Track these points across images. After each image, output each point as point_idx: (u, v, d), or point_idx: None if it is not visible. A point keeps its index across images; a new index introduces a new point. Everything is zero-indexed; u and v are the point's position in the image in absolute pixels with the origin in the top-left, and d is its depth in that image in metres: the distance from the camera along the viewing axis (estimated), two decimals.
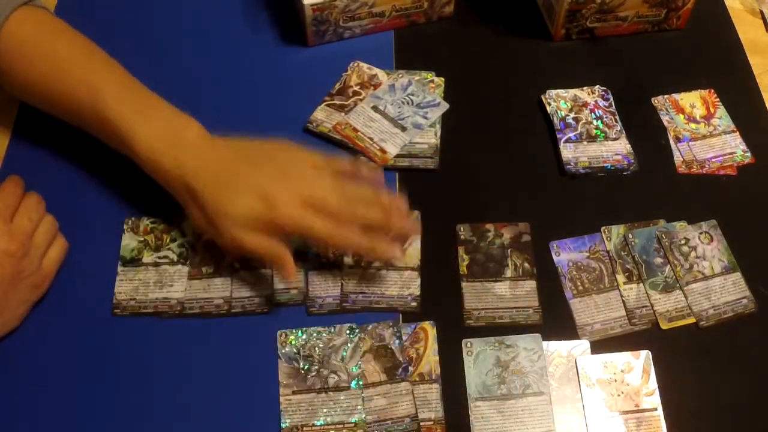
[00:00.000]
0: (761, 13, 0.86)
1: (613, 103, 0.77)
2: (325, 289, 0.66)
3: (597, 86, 0.78)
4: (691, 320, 0.65)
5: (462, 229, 0.69)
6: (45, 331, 0.64)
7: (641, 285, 0.66)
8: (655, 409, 0.61)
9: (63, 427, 0.60)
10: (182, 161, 0.62)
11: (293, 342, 0.63)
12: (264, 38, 0.83)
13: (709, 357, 0.63)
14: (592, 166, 0.73)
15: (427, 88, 0.78)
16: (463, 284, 0.66)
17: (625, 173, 0.73)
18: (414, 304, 0.66)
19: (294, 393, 0.61)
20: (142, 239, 0.68)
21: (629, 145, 0.74)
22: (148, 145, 0.63)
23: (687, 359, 0.63)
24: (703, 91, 0.79)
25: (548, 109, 0.76)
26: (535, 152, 0.75)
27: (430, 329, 0.64)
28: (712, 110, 0.77)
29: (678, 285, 0.66)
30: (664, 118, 0.77)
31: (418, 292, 0.66)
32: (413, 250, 0.68)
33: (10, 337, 0.63)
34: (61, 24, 0.69)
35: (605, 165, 0.73)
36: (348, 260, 0.67)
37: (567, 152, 0.73)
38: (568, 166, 0.73)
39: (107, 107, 0.64)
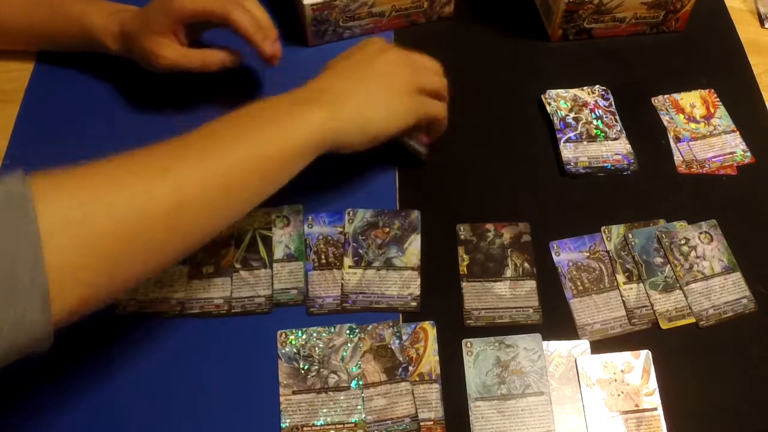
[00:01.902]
0: (758, 12, 0.86)
1: (613, 103, 0.77)
2: (325, 289, 0.66)
3: (597, 86, 0.78)
4: (691, 320, 0.65)
5: (462, 229, 0.69)
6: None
7: (641, 285, 0.66)
8: (655, 409, 0.61)
9: (63, 426, 0.60)
10: None
11: (293, 342, 0.63)
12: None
13: (709, 357, 0.63)
14: (592, 166, 0.73)
15: None
16: (463, 284, 0.67)
17: (625, 173, 0.73)
18: (414, 304, 0.66)
19: (294, 393, 0.61)
20: None
21: (629, 145, 0.74)
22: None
23: (687, 359, 0.63)
24: (703, 91, 0.79)
25: (548, 109, 0.76)
26: (535, 152, 0.75)
27: (430, 329, 0.64)
28: (712, 110, 0.77)
29: (678, 285, 0.66)
30: (664, 118, 0.77)
31: (418, 292, 0.66)
32: (413, 250, 0.68)
33: None
34: None
35: (605, 165, 0.73)
36: (348, 260, 0.67)
37: (567, 152, 0.73)
38: (568, 166, 0.73)
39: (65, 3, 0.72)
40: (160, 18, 0.68)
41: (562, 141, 0.74)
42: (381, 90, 0.63)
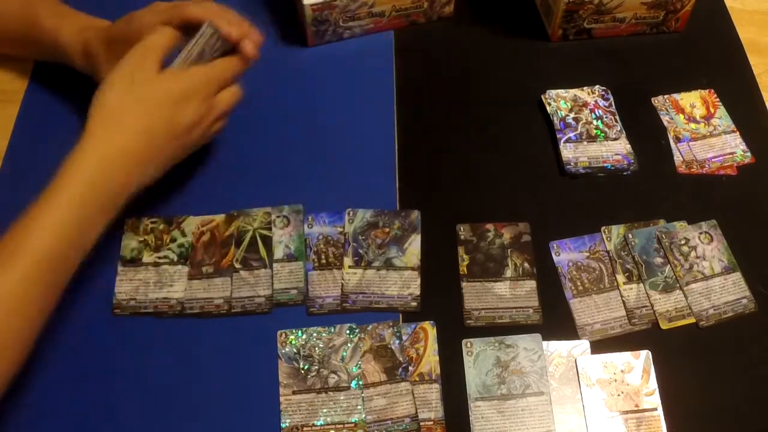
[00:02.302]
0: None
1: (613, 103, 0.77)
2: (325, 289, 0.66)
3: (597, 86, 0.78)
4: (691, 320, 0.65)
5: (462, 229, 0.69)
6: (45, 331, 0.64)
7: (641, 285, 0.66)
8: (655, 409, 0.61)
9: (63, 426, 0.60)
10: None
11: (293, 342, 0.63)
12: (264, 38, 0.83)
13: (709, 357, 0.63)
14: (592, 166, 0.73)
15: None
16: (463, 284, 0.66)
17: (625, 173, 0.73)
18: (414, 304, 0.66)
19: (294, 393, 0.61)
20: (142, 239, 0.68)
21: (629, 145, 0.74)
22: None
23: (687, 359, 0.63)
24: (703, 91, 0.79)
25: (548, 109, 0.76)
26: (535, 152, 0.75)
27: (430, 329, 0.64)
28: (712, 110, 0.77)
29: (678, 285, 0.66)
30: (664, 118, 0.77)
31: (418, 292, 0.66)
32: (413, 250, 0.68)
33: None
34: None
35: (605, 165, 0.73)
36: (348, 260, 0.67)
37: (567, 152, 0.73)
38: (568, 166, 0.73)
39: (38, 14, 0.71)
40: (121, 45, 0.66)
41: (562, 141, 0.74)
42: (169, 128, 0.63)
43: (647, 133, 0.76)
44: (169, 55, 0.64)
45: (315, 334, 0.64)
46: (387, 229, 0.69)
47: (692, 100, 0.78)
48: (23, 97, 0.77)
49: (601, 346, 0.64)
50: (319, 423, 0.60)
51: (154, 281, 0.66)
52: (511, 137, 0.76)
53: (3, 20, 0.73)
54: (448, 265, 0.68)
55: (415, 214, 0.70)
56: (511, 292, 0.66)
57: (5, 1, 0.73)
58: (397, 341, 0.63)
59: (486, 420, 0.60)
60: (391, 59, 0.81)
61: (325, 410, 0.60)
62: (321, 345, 0.63)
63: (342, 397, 0.61)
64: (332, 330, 0.64)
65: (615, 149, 0.74)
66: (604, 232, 0.69)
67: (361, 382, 0.62)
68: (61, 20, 0.71)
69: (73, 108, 0.75)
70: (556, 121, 0.76)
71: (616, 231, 0.69)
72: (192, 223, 0.69)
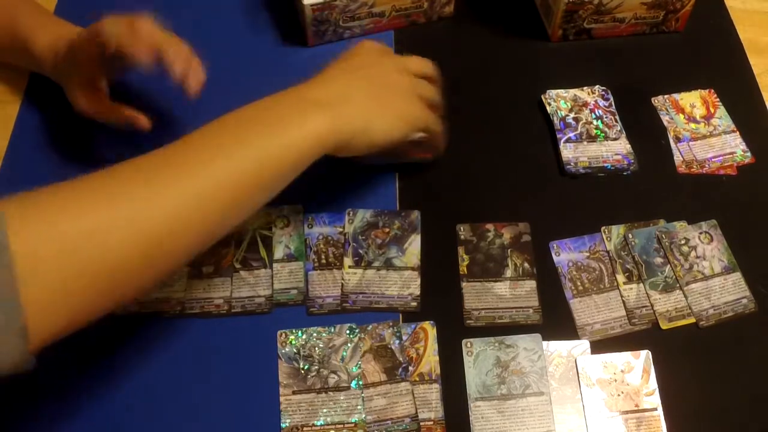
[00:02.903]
0: None
1: (613, 102, 0.77)
2: (325, 289, 0.66)
3: (597, 86, 0.78)
4: (691, 320, 0.65)
5: (462, 229, 0.69)
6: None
7: (641, 285, 0.66)
8: (655, 409, 0.61)
9: (63, 426, 0.60)
10: None
11: (293, 342, 0.63)
12: (264, 38, 0.83)
13: (709, 357, 0.63)
14: (592, 166, 0.73)
15: None
16: (463, 284, 0.67)
17: (625, 173, 0.73)
18: (414, 304, 0.66)
19: (294, 393, 0.61)
20: None
21: (629, 145, 0.74)
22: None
23: (687, 359, 0.63)
24: (703, 91, 0.79)
25: (548, 109, 0.76)
26: (535, 152, 0.75)
27: (430, 329, 0.64)
28: (712, 110, 0.77)
29: (678, 285, 0.66)
30: (664, 118, 0.77)
31: (418, 292, 0.66)
32: (413, 250, 0.68)
33: None
34: None
35: (605, 165, 0.73)
36: (348, 260, 0.67)
37: (567, 152, 0.73)
38: (568, 166, 0.73)
39: (19, 23, 0.70)
40: (72, 68, 0.66)
41: (562, 141, 0.74)
42: (382, 97, 0.61)
43: (647, 133, 0.76)
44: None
45: (315, 334, 0.64)
46: (387, 229, 0.69)
47: (692, 100, 0.78)
48: (23, 97, 0.77)
49: (601, 346, 0.64)
50: (319, 423, 0.60)
51: None
52: (511, 137, 0.76)
53: None
54: (448, 265, 0.68)
55: (415, 214, 0.70)
56: (511, 292, 0.66)
57: None
58: (397, 341, 0.63)
59: (486, 420, 0.60)
60: None
61: (325, 410, 0.60)
62: (321, 345, 0.63)
63: (342, 397, 0.61)
64: (332, 330, 0.64)
65: (615, 149, 0.74)
66: (604, 232, 0.69)
67: (361, 382, 0.62)
68: (37, 29, 0.70)
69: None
70: (556, 121, 0.76)
71: (616, 231, 0.69)
72: None
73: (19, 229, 0.44)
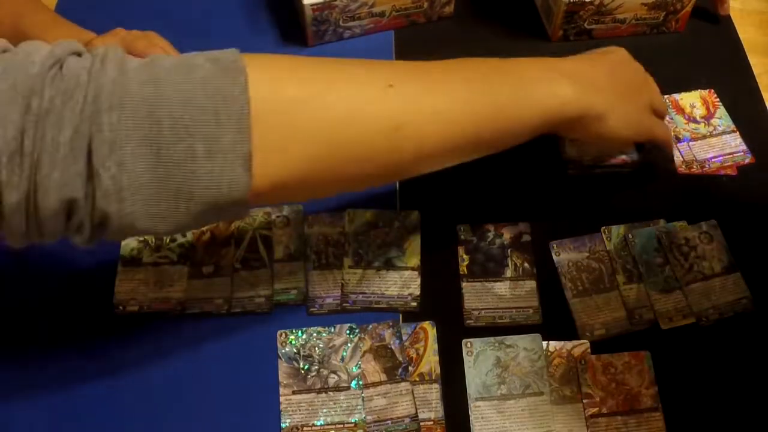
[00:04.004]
0: None
1: None
2: (325, 289, 0.66)
3: None
4: (691, 320, 0.65)
5: (462, 229, 0.69)
6: (45, 331, 0.64)
7: (641, 285, 0.66)
8: (655, 409, 0.61)
9: (62, 427, 0.60)
10: None
11: (293, 342, 0.63)
12: (264, 38, 0.83)
13: (709, 357, 0.63)
14: (596, 165, 0.73)
15: None
16: (463, 284, 0.67)
17: (626, 171, 0.73)
18: (414, 304, 0.66)
19: (294, 393, 0.61)
20: (142, 239, 0.68)
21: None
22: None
23: (687, 359, 0.63)
24: (703, 91, 0.79)
25: None
26: (535, 152, 0.75)
27: (430, 329, 0.64)
28: (712, 110, 0.77)
29: (678, 285, 0.66)
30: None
31: (418, 292, 0.66)
32: (413, 250, 0.68)
33: (10, 337, 0.64)
34: None
35: (607, 164, 0.73)
36: (348, 260, 0.67)
37: (571, 151, 0.73)
38: (570, 166, 0.73)
39: (26, 24, 0.71)
40: None
41: (567, 140, 0.74)
42: (624, 97, 0.62)
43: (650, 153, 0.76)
44: None
45: (315, 334, 0.64)
46: (387, 229, 0.69)
47: (692, 100, 0.78)
48: None
49: (601, 346, 0.64)
50: (319, 423, 0.60)
51: (154, 281, 0.66)
52: None
53: None
54: (448, 265, 0.68)
55: (415, 214, 0.70)
56: (511, 292, 0.66)
57: None
58: (397, 341, 0.63)
59: (486, 420, 0.60)
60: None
61: (325, 410, 0.60)
62: (321, 345, 0.63)
63: (342, 397, 0.61)
64: (332, 330, 0.64)
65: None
66: (604, 232, 0.69)
67: (361, 382, 0.62)
68: (46, 32, 0.70)
69: None
70: None
71: (616, 231, 0.69)
72: None
73: (252, 79, 0.46)
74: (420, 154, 0.53)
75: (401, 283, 0.66)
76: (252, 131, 0.45)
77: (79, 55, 0.45)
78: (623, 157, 0.72)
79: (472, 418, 0.60)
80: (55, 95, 0.42)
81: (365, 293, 0.66)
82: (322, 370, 0.62)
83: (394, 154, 0.52)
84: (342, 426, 0.60)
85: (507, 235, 0.69)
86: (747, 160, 0.74)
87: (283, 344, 0.63)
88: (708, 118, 0.77)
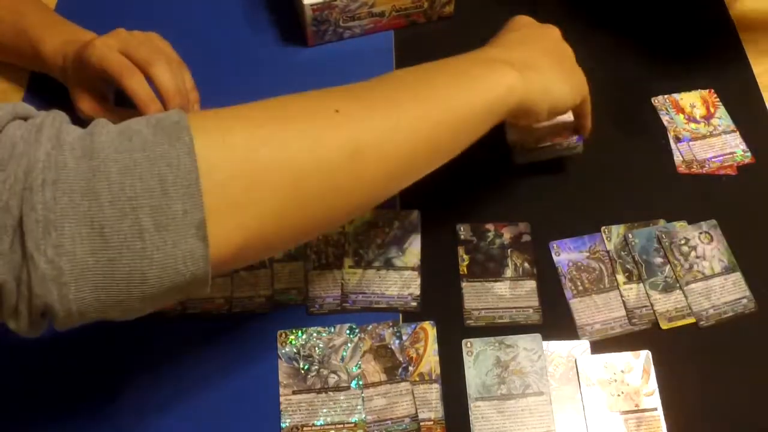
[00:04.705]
0: None
1: None
2: (325, 289, 0.66)
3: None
4: (691, 320, 0.65)
5: (462, 229, 0.69)
6: (45, 331, 0.64)
7: (641, 285, 0.66)
8: (655, 409, 0.61)
9: (63, 427, 0.60)
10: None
11: (293, 342, 0.63)
12: (264, 38, 0.83)
13: (709, 357, 0.63)
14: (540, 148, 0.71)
15: None
16: (463, 284, 0.67)
17: (574, 152, 0.71)
18: (414, 304, 0.66)
19: (294, 393, 0.61)
20: None
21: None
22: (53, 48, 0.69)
23: (687, 359, 0.63)
24: (703, 91, 0.79)
25: None
26: None
27: (430, 329, 0.64)
28: (712, 110, 0.77)
29: (678, 285, 0.66)
30: (664, 118, 0.77)
31: (418, 292, 0.66)
32: (413, 250, 0.68)
33: (10, 337, 0.63)
34: None
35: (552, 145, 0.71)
36: (348, 260, 0.67)
37: (513, 135, 0.72)
38: (515, 151, 0.72)
39: (26, 22, 0.71)
40: (77, 73, 0.66)
41: (508, 126, 0.73)
42: (557, 64, 0.62)
43: (647, 133, 0.76)
44: None
45: (315, 334, 0.64)
46: (387, 229, 0.69)
47: (692, 100, 0.78)
48: (23, 97, 0.77)
49: (601, 346, 0.64)
50: (319, 423, 0.60)
51: None
52: None
53: None
54: (448, 265, 0.68)
55: (415, 214, 0.70)
56: (511, 292, 0.66)
57: None
58: (397, 341, 0.63)
59: (486, 420, 0.60)
60: (391, 59, 0.81)
61: (325, 410, 0.60)
62: (321, 345, 0.63)
63: (342, 397, 0.61)
64: (332, 330, 0.64)
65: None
66: (604, 232, 0.69)
67: (361, 382, 0.62)
68: (46, 31, 0.71)
69: (73, 107, 0.75)
70: None
71: (616, 231, 0.69)
72: None
73: (197, 135, 0.42)
74: (384, 173, 0.51)
75: (401, 283, 0.66)
76: (204, 194, 0.41)
77: (25, 119, 0.41)
78: (566, 133, 0.71)
79: (472, 418, 0.60)
80: None
81: (365, 293, 0.66)
82: (322, 370, 0.62)
83: (358, 179, 0.49)
84: (342, 426, 0.60)
85: (507, 235, 0.69)
86: (747, 160, 0.74)
87: (283, 344, 0.63)
88: (708, 118, 0.77)
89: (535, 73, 0.59)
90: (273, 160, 0.45)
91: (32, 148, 0.39)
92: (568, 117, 0.69)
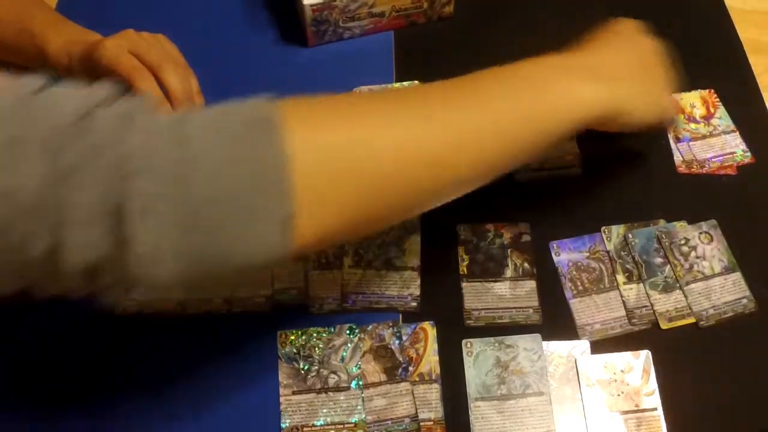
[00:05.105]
0: None
1: None
2: (325, 289, 0.66)
3: None
4: (691, 320, 0.65)
5: (462, 229, 0.69)
6: (45, 331, 0.64)
7: (641, 285, 0.66)
8: (655, 409, 0.61)
9: (63, 427, 0.60)
10: None
11: (293, 342, 0.63)
12: (264, 38, 0.83)
13: (709, 357, 0.63)
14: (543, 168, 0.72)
15: None
16: (463, 284, 0.67)
17: (573, 171, 0.72)
18: (414, 304, 0.66)
19: (294, 393, 0.61)
20: None
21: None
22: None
23: (687, 359, 0.63)
24: (703, 91, 0.79)
25: None
26: None
27: (430, 329, 0.64)
28: (712, 110, 0.77)
29: (678, 285, 0.66)
30: None
31: (418, 292, 0.66)
32: (413, 250, 0.68)
33: (11, 337, 0.63)
34: None
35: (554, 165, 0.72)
36: (348, 260, 0.67)
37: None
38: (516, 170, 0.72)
39: (30, 21, 0.70)
40: (85, 73, 0.67)
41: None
42: (644, 82, 0.61)
43: (647, 133, 0.76)
44: None
45: (315, 335, 0.64)
46: (387, 229, 0.69)
47: (692, 100, 0.78)
48: None
49: (601, 346, 0.64)
50: (319, 423, 0.60)
51: None
52: None
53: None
54: (448, 265, 0.68)
55: None
56: (511, 292, 0.66)
57: (2, 7, 0.72)
58: (397, 341, 0.63)
59: (486, 420, 0.60)
60: (391, 59, 0.81)
61: (325, 410, 0.60)
62: (321, 345, 0.63)
63: (342, 398, 0.61)
64: (332, 330, 0.64)
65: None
66: (604, 232, 0.69)
67: (361, 383, 0.62)
68: (50, 30, 0.71)
69: None
70: None
71: (616, 231, 0.69)
72: None
73: (287, 131, 0.44)
74: (457, 181, 0.53)
75: (401, 283, 0.66)
76: (291, 189, 0.43)
77: (114, 100, 0.43)
78: (567, 156, 0.71)
79: (472, 418, 0.60)
80: (82, 151, 0.40)
81: (365, 293, 0.66)
82: (322, 370, 0.62)
83: (436, 183, 0.51)
84: (342, 426, 0.60)
85: (507, 235, 0.69)
86: (747, 160, 0.74)
87: (283, 344, 0.63)
88: (708, 118, 0.77)
89: (617, 87, 0.58)
90: (360, 158, 0.47)
91: (127, 135, 0.41)
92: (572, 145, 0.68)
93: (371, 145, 0.48)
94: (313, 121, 0.47)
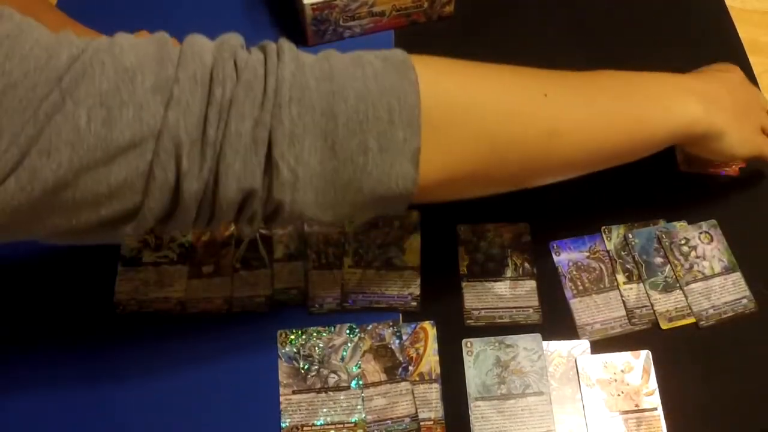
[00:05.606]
0: None
1: None
2: (325, 289, 0.66)
3: None
4: (691, 320, 0.65)
5: (462, 229, 0.69)
6: (45, 331, 0.64)
7: (641, 285, 0.66)
8: (655, 409, 0.61)
9: (63, 426, 0.60)
10: None
11: (293, 342, 0.63)
12: (264, 38, 0.82)
13: (709, 357, 0.63)
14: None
15: None
16: (463, 284, 0.67)
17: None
18: (414, 303, 0.66)
19: (294, 393, 0.61)
20: (142, 239, 0.68)
21: None
22: None
23: (687, 359, 0.63)
24: None
25: None
26: None
27: (430, 329, 0.64)
28: None
29: (678, 285, 0.66)
30: None
31: (418, 292, 0.66)
32: (413, 250, 0.68)
33: (11, 337, 0.63)
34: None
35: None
36: (348, 260, 0.67)
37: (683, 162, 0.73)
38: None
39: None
40: None
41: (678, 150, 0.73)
42: (742, 117, 0.64)
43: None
44: None
45: (315, 334, 0.64)
46: (387, 229, 0.69)
47: None
48: None
49: (601, 346, 0.64)
50: (319, 423, 0.60)
51: (154, 281, 0.66)
52: None
53: None
54: (448, 265, 0.67)
55: (415, 214, 0.70)
56: (511, 292, 0.66)
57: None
58: (397, 341, 0.63)
59: (486, 420, 0.60)
60: None
61: (325, 410, 0.60)
62: (321, 345, 0.63)
63: (342, 397, 0.61)
64: (332, 330, 0.64)
65: None
66: (604, 232, 0.69)
67: (361, 382, 0.62)
68: (57, 30, 0.70)
69: None
70: None
71: (616, 231, 0.69)
72: None
73: (420, 75, 0.48)
74: (565, 161, 0.55)
75: (401, 282, 0.66)
76: (421, 126, 0.46)
77: (245, 49, 0.46)
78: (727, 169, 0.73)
79: (472, 417, 0.60)
80: (236, 86, 0.43)
81: (365, 293, 0.66)
82: (322, 369, 0.62)
83: (545, 158, 0.54)
84: (342, 426, 0.60)
85: (507, 235, 0.69)
86: None
87: (283, 344, 0.63)
88: None
89: (721, 111, 0.61)
90: (479, 117, 0.50)
91: (278, 69, 0.44)
92: None
93: (492, 106, 0.51)
94: (441, 76, 0.51)
